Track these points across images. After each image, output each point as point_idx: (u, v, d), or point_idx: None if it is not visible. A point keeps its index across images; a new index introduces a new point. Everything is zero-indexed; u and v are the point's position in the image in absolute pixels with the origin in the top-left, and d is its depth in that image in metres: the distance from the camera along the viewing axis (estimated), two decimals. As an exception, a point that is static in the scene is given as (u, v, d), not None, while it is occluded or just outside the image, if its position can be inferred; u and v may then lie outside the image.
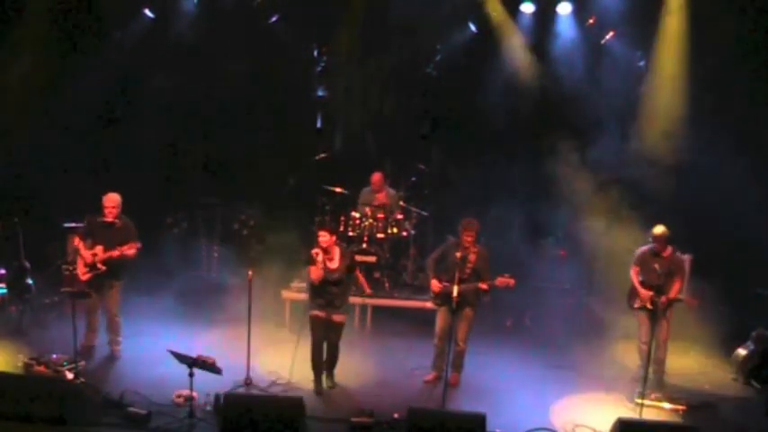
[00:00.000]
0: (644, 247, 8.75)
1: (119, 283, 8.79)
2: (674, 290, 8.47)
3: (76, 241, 8.87)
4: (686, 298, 8.41)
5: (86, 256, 8.62)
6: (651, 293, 8.45)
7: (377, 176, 11.12)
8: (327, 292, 8.08)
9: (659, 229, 8.55)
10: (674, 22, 11.06)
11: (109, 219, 8.55)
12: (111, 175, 11.12)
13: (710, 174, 10.60)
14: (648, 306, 8.50)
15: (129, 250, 8.53)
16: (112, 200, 8.59)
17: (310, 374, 8.26)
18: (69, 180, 11.56)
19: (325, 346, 8.24)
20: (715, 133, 10.51)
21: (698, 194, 10.86)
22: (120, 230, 8.61)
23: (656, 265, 8.45)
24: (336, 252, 8.10)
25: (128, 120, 12.22)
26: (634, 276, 8.73)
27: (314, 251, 8.01)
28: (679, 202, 10.69)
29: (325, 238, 8.00)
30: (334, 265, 8.07)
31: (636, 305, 8.70)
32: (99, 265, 8.56)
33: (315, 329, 8.19)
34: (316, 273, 7.99)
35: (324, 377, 8.32)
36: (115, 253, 8.52)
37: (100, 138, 11.94)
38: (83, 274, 8.64)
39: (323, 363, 8.28)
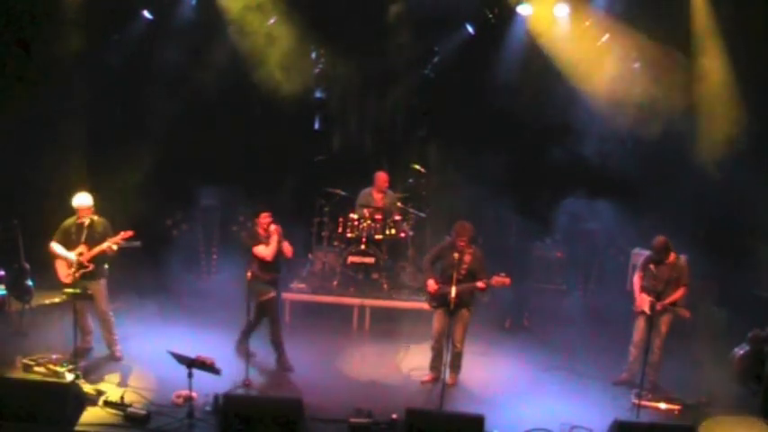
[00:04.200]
0: (649, 252, 8.69)
1: (104, 280, 8.71)
2: (673, 297, 8.40)
3: (53, 248, 8.56)
4: (680, 309, 8.36)
5: (72, 256, 8.46)
6: (651, 299, 8.41)
7: (382, 176, 11.01)
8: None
9: (657, 240, 8.45)
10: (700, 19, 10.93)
11: (86, 221, 8.44)
12: (111, 176, 11.14)
13: (711, 173, 10.66)
14: (647, 311, 8.49)
15: (118, 241, 8.42)
16: (85, 202, 8.50)
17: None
18: (69, 181, 11.57)
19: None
20: (717, 133, 10.58)
21: (698, 194, 10.93)
22: (98, 227, 8.53)
23: (659, 272, 8.45)
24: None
25: (127, 122, 12.26)
26: (637, 281, 8.70)
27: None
28: (679, 203, 10.75)
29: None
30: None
31: (636, 309, 8.70)
32: (87, 264, 8.47)
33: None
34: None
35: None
36: (104, 245, 8.40)
37: (100, 139, 11.97)
38: (66, 276, 8.47)
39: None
